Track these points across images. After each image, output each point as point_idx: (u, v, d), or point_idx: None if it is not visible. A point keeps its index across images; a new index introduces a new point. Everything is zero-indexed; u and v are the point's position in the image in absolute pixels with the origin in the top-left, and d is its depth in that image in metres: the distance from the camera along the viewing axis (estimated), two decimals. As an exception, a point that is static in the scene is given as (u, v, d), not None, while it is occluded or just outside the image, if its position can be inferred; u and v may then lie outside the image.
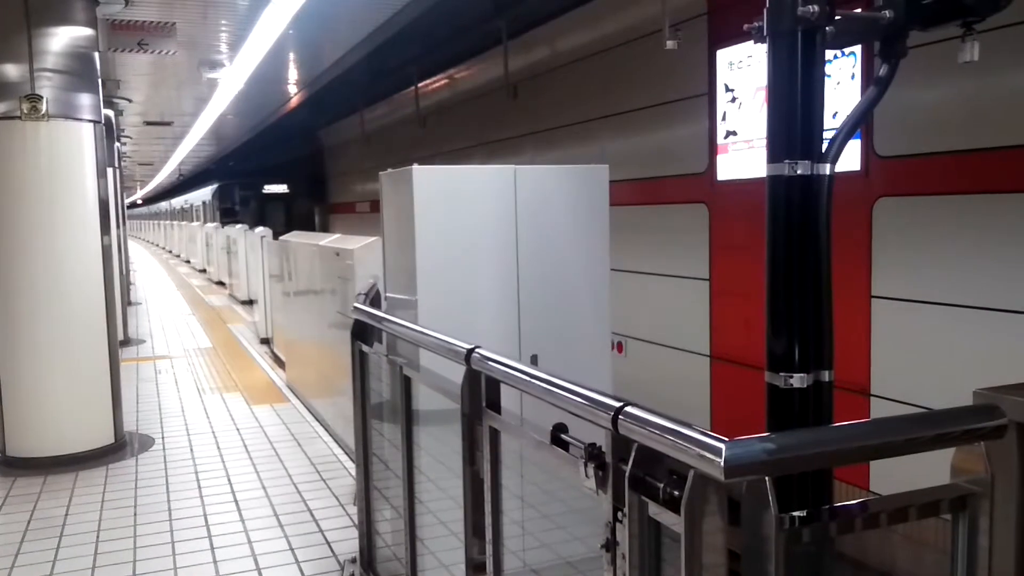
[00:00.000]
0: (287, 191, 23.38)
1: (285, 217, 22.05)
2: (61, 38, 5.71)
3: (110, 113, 10.90)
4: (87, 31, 5.90)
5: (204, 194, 25.72)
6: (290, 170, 23.47)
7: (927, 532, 4.30)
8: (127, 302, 13.37)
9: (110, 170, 8.83)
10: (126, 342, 10.70)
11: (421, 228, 3.85)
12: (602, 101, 8.16)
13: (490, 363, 2.29)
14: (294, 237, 8.62)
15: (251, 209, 22.83)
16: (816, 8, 1.91)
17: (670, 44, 6.25)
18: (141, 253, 36.11)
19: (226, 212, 22.80)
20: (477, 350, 2.36)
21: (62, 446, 5.66)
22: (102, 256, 5.88)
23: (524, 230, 3.99)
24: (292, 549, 4.19)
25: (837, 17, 1.97)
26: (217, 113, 13.11)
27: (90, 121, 5.82)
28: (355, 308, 3.66)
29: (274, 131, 17.46)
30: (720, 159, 6.49)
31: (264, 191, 23.21)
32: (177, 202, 35.28)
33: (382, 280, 4.43)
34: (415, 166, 3.90)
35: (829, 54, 2.52)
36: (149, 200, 51.51)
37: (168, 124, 15.03)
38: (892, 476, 4.44)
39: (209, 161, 26.09)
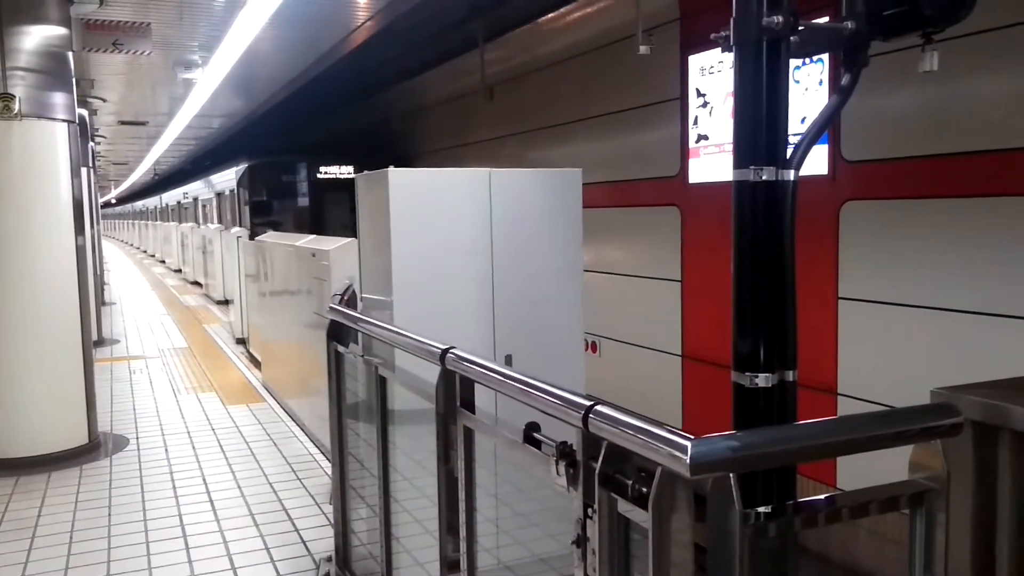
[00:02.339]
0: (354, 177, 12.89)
1: (352, 218, 10.91)
2: (34, 37, 5.67)
3: (84, 112, 10.80)
4: (61, 30, 5.86)
5: (220, 182, 16.03)
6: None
7: (891, 526, 4.39)
8: (101, 302, 13.25)
9: (84, 170, 8.76)
10: (100, 342, 10.61)
11: (397, 229, 3.88)
12: (578, 104, 8.21)
13: (465, 363, 2.33)
14: (270, 238, 8.60)
15: (300, 204, 14.24)
16: (780, 19, 1.96)
17: (643, 49, 6.32)
18: (115, 254, 35.68)
19: (260, 209, 13.53)
20: (452, 350, 2.40)
21: (35, 446, 5.62)
22: (76, 256, 5.84)
23: (499, 232, 4.03)
24: (268, 548, 4.20)
25: (801, 27, 2.02)
26: (192, 113, 13.00)
27: (64, 120, 5.78)
28: (331, 309, 3.68)
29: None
30: (692, 163, 6.56)
31: (320, 175, 14.09)
32: (171, 197, 25.60)
33: (358, 281, 4.45)
34: (391, 168, 3.93)
35: (797, 61, 2.58)
36: (126, 198, 46.90)
37: (143, 124, 14.89)
38: (859, 472, 4.53)
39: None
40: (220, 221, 16.08)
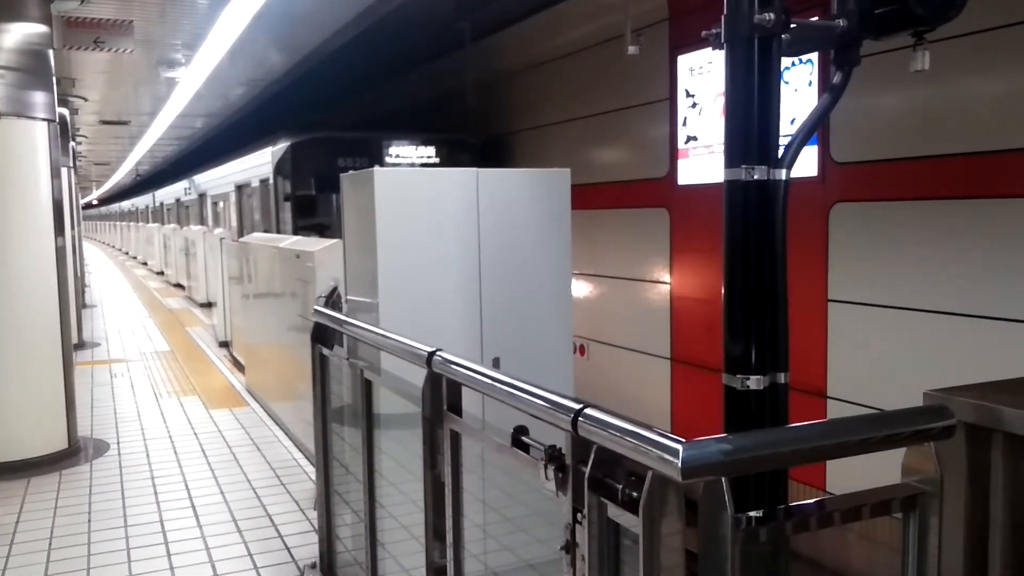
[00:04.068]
0: (437, 163, 9.79)
1: None
2: (14, 35, 5.60)
3: (65, 112, 10.68)
4: (41, 28, 5.79)
5: (245, 170, 11.61)
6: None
7: (882, 530, 4.39)
8: (82, 304, 13.12)
9: (64, 170, 8.67)
10: (81, 345, 10.49)
11: (383, 230, 3.84)
12: (567, 105, 8.19)
13: (452, 366, 2.30)
14: (253, 239, 8.53)
15: None
16: (772, 16, 1.95)
17: (632, 49, 6.31)
18: (97, 256, 35.39)
19: (305, 206, 9.59)
20: (439, 353, 2.36)
21: (14, 451, 5.53)
22: (56, 258, 5.77)
23: (486, 233, 4.00)
24: (251, 555, 4.14)
25: (793, 25, 2.01)
26: (175, 112, 12.87)
27: (44, 120, 5.71)
28: (315, 311, 3.64)
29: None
30: (681, 164, 6.55)
31: (392, 162, 9.65)
32: (168, 194, 21.09)
33: (343, 283, 4.41)
34: (376, 168, 3.90)
35: (786, 61, 2.57)
36: (110, 199, 45.15)
37: (125, 123, 14.77)
38: (849, 476, 4.52)
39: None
40: (241, 224, 11.85)
